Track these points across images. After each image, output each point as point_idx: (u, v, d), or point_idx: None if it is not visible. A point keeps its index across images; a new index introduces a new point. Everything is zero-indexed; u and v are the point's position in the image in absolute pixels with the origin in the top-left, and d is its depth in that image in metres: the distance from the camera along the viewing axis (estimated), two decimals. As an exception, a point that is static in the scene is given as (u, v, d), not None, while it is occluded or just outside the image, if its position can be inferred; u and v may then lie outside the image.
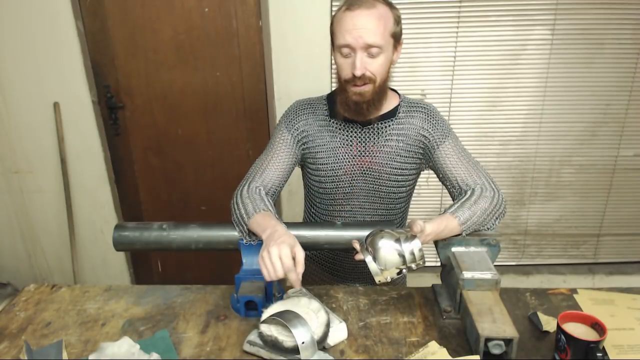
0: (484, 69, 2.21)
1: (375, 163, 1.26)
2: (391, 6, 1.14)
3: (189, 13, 2.16)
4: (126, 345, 0.98)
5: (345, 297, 1.19)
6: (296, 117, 1.29)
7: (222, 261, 2.54)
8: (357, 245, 1.06)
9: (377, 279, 1.01)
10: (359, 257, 1.04)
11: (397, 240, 1.00)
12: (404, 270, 1.01)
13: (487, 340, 0.91)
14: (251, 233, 1.17)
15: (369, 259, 1.01)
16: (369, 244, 1.02)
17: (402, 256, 0.99)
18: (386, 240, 1.00)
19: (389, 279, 1.02)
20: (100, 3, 2.15)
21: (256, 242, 1.17)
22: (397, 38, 1.16)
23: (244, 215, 1.16)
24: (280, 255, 0.98)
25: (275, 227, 1.07)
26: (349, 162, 1.27)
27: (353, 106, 1.17)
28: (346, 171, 1.28)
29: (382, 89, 1.18)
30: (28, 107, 2.29)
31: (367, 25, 1.08)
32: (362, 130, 1.25)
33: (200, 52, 2.22)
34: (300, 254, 1.00)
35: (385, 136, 1.25)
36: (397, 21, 1.15)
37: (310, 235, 1.19)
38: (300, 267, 0.99)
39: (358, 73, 1.11)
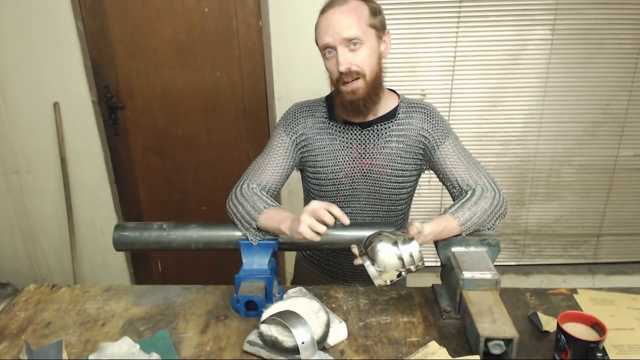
0: (484, 69, 2.21)
1: (375, 165, 1.26)
2: (365, 0, 1.15)
3: (189, 13, 2.16)
4: (126, 345, 0.98)
5: (345, 297, 1.19)
6: (295, 121, 1.28)
7: (222, 261, 2.54)
8: (355, 250, 1.06)
9: (376, 283, 1.01)
10: (357, 261, 1.03)
11: (395, 243, 1.00)
12: (404, 273, 1.01)
13: (487, 340, 0.91)
14: (258, 230, 1.17)
15: (367, 264, 1.01)
16: (368, 248, 1.02)
17: (400, 259, 0.99)
18: (384, 243, 1.00)
19: (388, 282, 1.02)
20: (100, 3, 2.15)
21: (257, 242, 1.17)
22: (378, 29, 1.15)
23: (252, 212, 1.16)
24: (319, 204, 1.03)
25: (293, 217, 1.09)
26: (349, 164, 1.26)
27: (350, 106, 1.17)
28: (346, 174, 1.27)
29: (376, 84, 1.17)
30: (28, 107, 2.29)
31: (340, 21, 1.10)
32: (361, 132, 1.25)
33: (200, 52, 2.22)
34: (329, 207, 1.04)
35: (385, 138, 1.24)
36: (374, 12, 1.14)
37: (310, 235, 1.19)
38: (335, 206, 1.04)
39: (342, 68, 1.11)
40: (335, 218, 1.04)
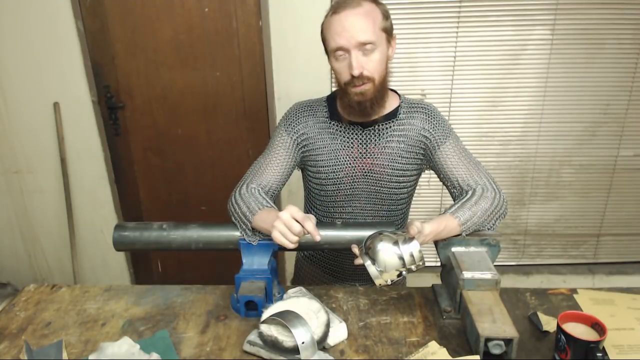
0: (484, 69, 2.21)
1: (376, 165, 1.26)
2: (377, 2, 1.14)
3: (189, 13, 2.16)
4: (126, 345, 0.98)
5: (345, 297, 1.19)
6: (296, 120, 1.28)
7: (222, 261, 2.54)
8: (356, 250, 1.06)
9: (377, 282, 1.01)
10: (358, 261, 1.04)
11: (396, 242, 1.00)
12: (404, 273, 1.01)
13: (487, 340, 0.91)
14: (254, 231, 1.17)
15: (368, 263, 1.01)
16: (368, 248, 1.02)
17: (401, 259, 0.99)
18: (385, 243, 1.00)
19: (389, 282, 1.02)
20: (100, 3, 2.15)
21: (257, 242, 1.17)
22: (388, 32, 1.15)
23: (247, 213, 1.16)
24: (292, 214, 1.02)
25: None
26: (350, 164, 1.26)
27: (357, 107, 1.17)
28: (347, 173, 1.27)
29: (383, 87, 1.17)
30: (28, 107, 2.29)
31: (356, 25, 1.09)
32: (363, 131, 1.25)
33: (200, 52, 2.22)
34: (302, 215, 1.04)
35: (387, 137, 1.24)
36: (386, 16, 1.14)
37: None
38: (310, 221, 1.03)
39: (356, 72, 1.10)
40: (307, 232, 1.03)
